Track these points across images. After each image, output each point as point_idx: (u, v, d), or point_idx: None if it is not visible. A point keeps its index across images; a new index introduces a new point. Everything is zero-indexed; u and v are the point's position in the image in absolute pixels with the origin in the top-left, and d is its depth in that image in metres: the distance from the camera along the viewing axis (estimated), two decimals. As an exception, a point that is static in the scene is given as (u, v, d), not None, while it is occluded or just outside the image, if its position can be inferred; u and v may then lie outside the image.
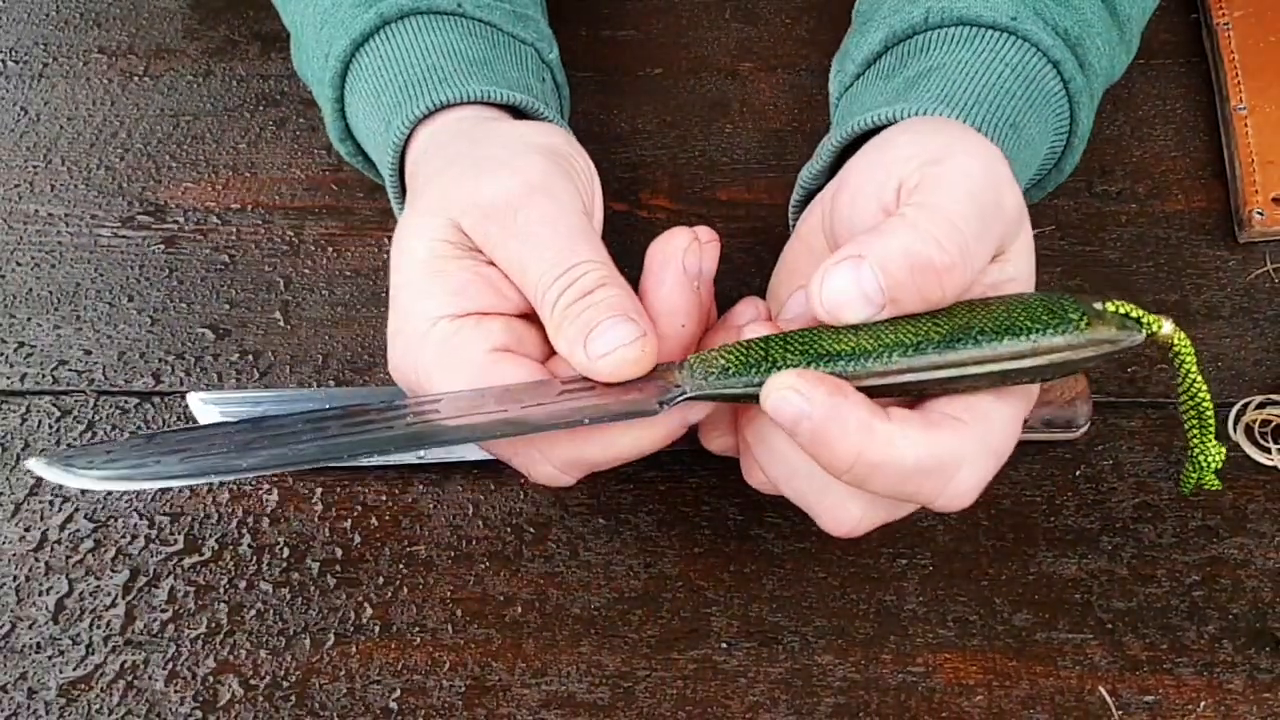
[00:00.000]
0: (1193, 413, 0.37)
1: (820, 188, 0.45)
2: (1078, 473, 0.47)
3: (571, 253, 0.38)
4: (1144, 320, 0.34)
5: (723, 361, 0.35)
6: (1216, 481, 0.38)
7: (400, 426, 0.36)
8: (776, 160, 0.55)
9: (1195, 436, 0.37)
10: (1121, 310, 0.34)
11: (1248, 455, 0.46)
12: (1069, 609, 0.44)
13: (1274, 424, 0.47)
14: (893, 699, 0.43)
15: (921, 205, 0.34)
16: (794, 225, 0.47)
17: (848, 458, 0.33)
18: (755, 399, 0.35)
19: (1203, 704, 0.42)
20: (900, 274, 0.33)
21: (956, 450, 0.34)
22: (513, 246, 0.38)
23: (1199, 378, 0.36)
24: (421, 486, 0.48)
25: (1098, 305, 0.34)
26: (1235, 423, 0.47)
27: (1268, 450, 0.46)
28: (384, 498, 0.47)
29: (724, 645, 0.44)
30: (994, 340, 0.33)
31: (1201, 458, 0.37)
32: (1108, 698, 0.43)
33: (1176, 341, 0.35)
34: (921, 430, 0.34)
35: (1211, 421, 0.37)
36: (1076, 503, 0.46)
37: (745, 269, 0.52)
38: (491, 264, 0.39)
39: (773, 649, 0.44)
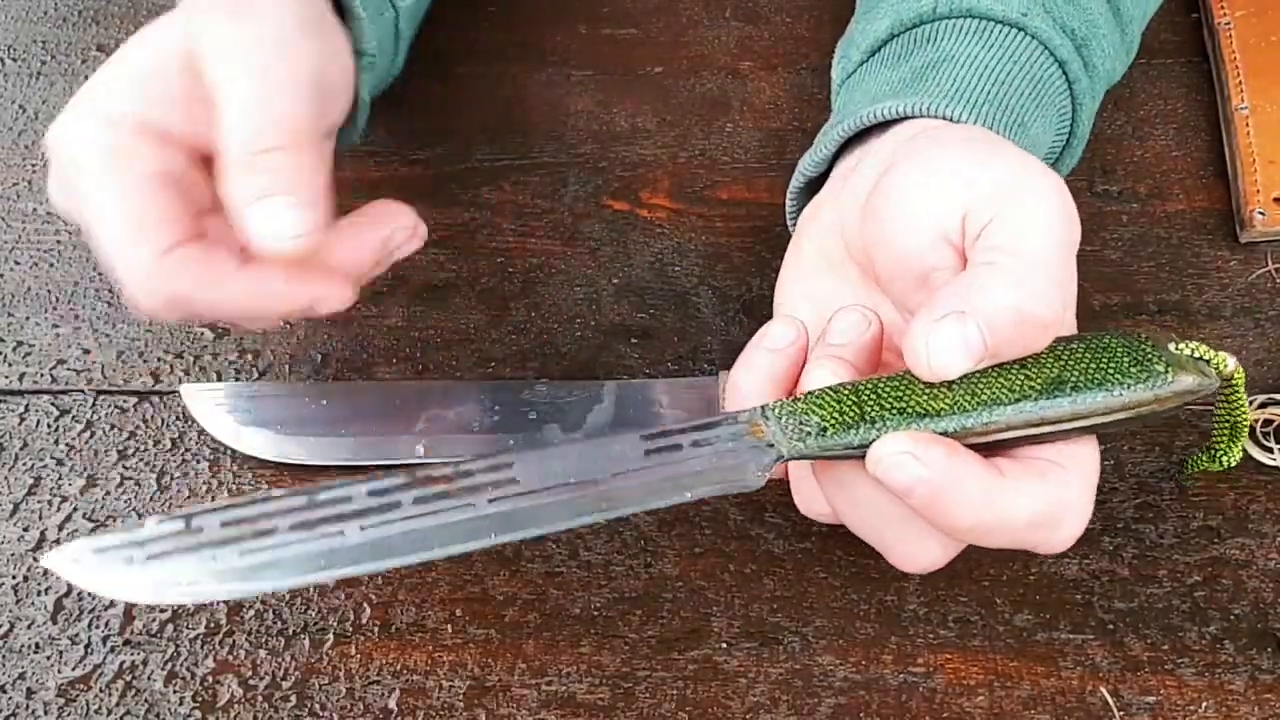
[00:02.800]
0: (1227, 420, 0.38)
1: (820, 176, 0.45)
2: (1079, 473, 0.47)
3: (280, 111, 0.38)
4: (1213, 361, 0.35)
5: (816, 419, 0.34)
6: (1221, 469, 0.41)
7: (482, 504, 0.33)
8: (777, 159, 0.55)
9: (1223, 440, 0.39)
10: (1196, 354, 0.35)
11: (1250, 455, 0.46)
12: (1070, 609, 0.44)
13: (1276, 424, 0.47)
14: (893, 699, 0.43)
15: (1017, 255, 0.33)
16: (791, 214, 0.46)
17: (968, 520, 0.32)
18: (852, 458, 0.34)
19: (1204, 704, 0.42)
20: (1007, 330, 0.33)
21: (1067, 500, 0.34)
22: (224, 85, 0.38)
23: (1243, 398, 0.37)
24: (421, 486, 0.47)
25: (1171, 347, 0.35)
26: (1237, 423, 0.47)
27: (1270, 450, 0.46)
28: (383, 497, 0.47)
29: (724, 645, 0.44)
30: (1087, 394, 0.33)
31: (1224, 458, 0.40)
32: (1109, 698, 0.43)
33: (1236, 376, 0.36)
34: (1035, 483, 0.33)
35: (1243, 432, 0.39)
36: (1078, 503, 0.46)
37: (745, 268, 0.52)
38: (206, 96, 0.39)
39: (773, 649, 0.44)
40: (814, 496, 0.38)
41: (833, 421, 0.34)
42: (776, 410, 0.35)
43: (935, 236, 0.36)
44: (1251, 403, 0.47)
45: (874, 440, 0.33)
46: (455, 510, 0.32)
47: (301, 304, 0.40)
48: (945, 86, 0.41)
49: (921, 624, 0.44)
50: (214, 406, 0.48)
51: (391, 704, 0.43)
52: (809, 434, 0.34)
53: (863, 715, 0.43)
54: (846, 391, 0.34)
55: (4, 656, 0.45)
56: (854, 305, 0.37)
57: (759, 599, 0.45)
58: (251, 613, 0.45)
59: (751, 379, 0.36)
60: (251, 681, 0.44)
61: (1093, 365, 0.34)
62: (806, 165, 0.44)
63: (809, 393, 0.35)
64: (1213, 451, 0.40)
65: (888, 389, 0.34)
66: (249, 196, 0.37)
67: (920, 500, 0.32)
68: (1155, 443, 0.47)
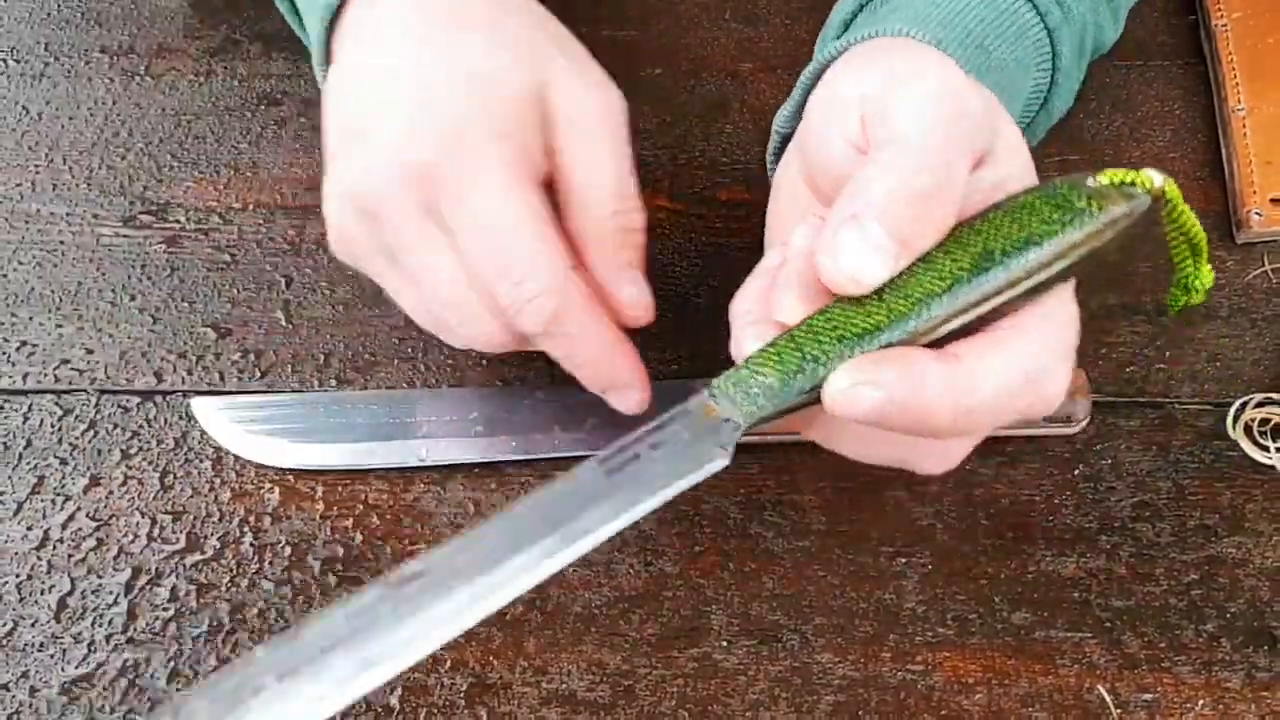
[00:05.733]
0: (1182, 239, 0.37)
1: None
2: (1076, 472, 0.47)
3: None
4: (1137, 181, 0.34)
5: (761, 379, 0.33)
6: (1202, 296, 0.39)
7: (461, 593, 0.34)
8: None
9: (1187, 263, 0.38)
10: (1115, 179, 0.34)
11: (1246, 454, 0.47)
12: (1068, 608, 0.44)
13: (1273, 423, 0.47)
14: (892, 697, 0.43)
15: (889, 142, 0.33)
16: (772, 172, 0.46)
17: (946, 418, 0.32)
18: (810, 403, 0.33)
19: (1201, 702, 0.42)
20: (902, 214, 0.32)
21: (1037, 358, 0.33)
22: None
23: (1186, 209, 0.36)
24: (423, 485, 0.48)
25: (1090, 182, 0.34)
26: (1234, 422, 0.47)
27: (1266, 449, 0.47)
28: (385, 496, 0.47)
29: (724, 643, 0.44)
30: (1018, 256, 0.33)
31: (1196, 281, 0.38)
32: (1106, 696, 0.43)
33: (1168, 189, 0.35)
34: (997, 354, 0.32)
35: (1203, 247, 0.37)
36: (1075, 502, 0.46)
37: (745, 269, 0.52)
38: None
39: (773, 647, 0.44)
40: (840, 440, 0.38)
41: (777, 374, 0.33)
42: (722, 384, 0.34)
43: (845, 148, 0.36)
44: (1249, 402, 0.48)
45: (824, 377, 0.32)
46: (435, 604, 0.33)
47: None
48: (898, 16, 0.41)
49: (920, 622, 0.44)
50: (216, 411, 0.48)
51: (393, 702, 0.44)
52: (758, 394, 0.33)
53: (861, 713, 0.43)
54: (782, 342, 0.34)
55: (8, 655, 0.45)
56: (809, 219, 0.36)
57: (758, 597, 0.45)
58: (254, 611, 0.45)
59: (745, 301, 0.36)
60: (254, 679, 0.44)
61: (1015, 227, 0.33)
62: (779, 122, 0.45)
63: (748, 358, 0.34)
64: (1183, 278, 0.38)
65: (821, 323, 0.33)
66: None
67: (892, 419, 0.32)
68: (1153, 442, 0.47)
